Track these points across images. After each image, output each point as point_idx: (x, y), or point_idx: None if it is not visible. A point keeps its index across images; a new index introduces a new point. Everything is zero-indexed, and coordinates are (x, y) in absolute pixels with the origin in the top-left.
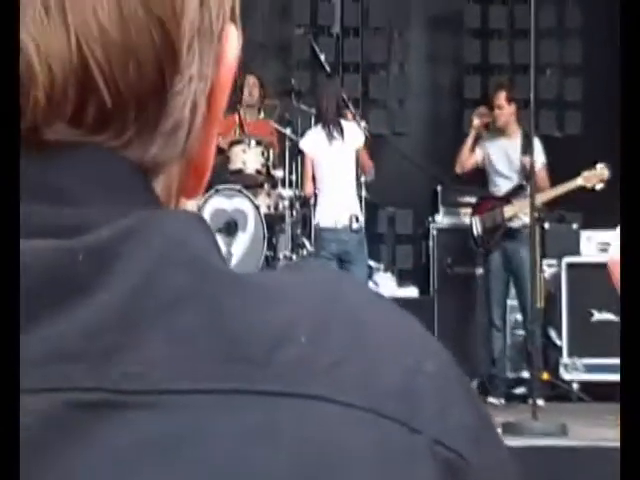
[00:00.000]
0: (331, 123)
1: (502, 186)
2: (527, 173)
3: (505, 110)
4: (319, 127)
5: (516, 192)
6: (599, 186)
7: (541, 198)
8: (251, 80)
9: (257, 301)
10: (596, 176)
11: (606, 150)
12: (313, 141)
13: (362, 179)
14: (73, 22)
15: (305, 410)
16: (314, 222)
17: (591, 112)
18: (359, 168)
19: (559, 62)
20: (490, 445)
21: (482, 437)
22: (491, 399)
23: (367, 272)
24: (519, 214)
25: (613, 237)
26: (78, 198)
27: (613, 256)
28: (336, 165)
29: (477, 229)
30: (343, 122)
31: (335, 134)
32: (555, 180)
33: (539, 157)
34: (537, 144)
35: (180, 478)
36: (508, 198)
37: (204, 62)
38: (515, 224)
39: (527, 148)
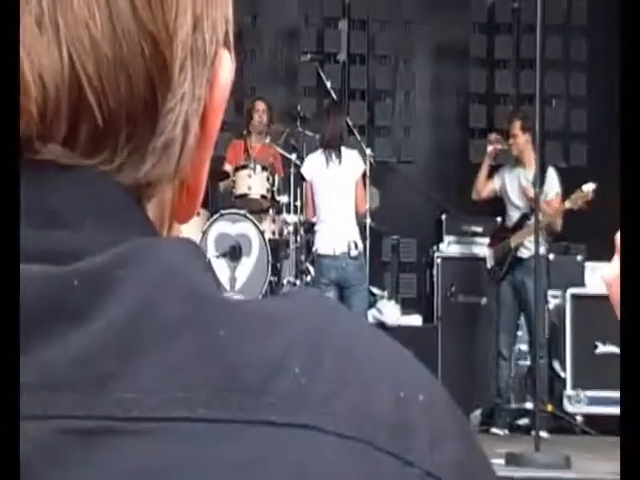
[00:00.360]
0: (330, 147)
1: (514, 217)
2: (532, 203)
3: (520, 139)
4: (319, 152)
5: (522, 222)
6: (584, 206)
7: (520, 238)
8: (261, 106)
9: (251, 330)
10: (581, 197)
11: (611, 181)
12: (312, 165)
13: (367, 206)
14: (65, 36)
15: (300, 440)
16: (313, 249)
17: (596, 143)
18: (355, 202)
19: (564, 93)
20: (481, 476)
21: (474, 471)
22: (495, 429)
23: (367, 298)
24: (524, 242)
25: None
26: (73, 222)
27: (608, 273)
28: (333, 190)
29: (490, 261)
30: (344, 149)
31: (333, 157)
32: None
33: (553, 187)
34: (552, 174)
35: None
36: (515, 228)
37: (196, 83)
38: (524, 254)
39: (542, 179)
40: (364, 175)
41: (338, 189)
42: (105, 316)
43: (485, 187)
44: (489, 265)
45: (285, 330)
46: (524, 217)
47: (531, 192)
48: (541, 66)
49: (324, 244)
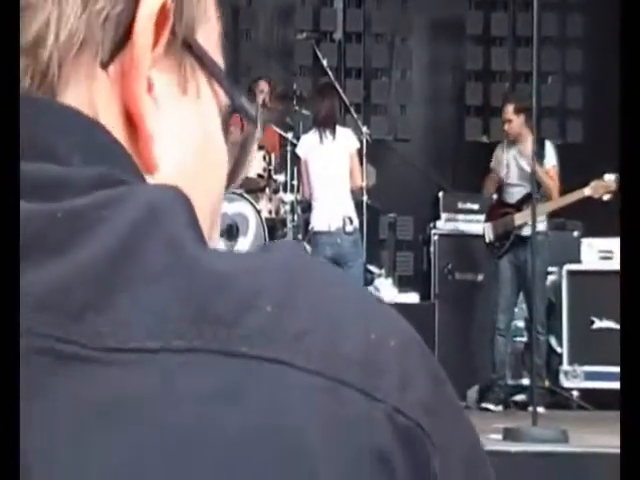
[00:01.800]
0: (324, 125)
1: (514, 194)
2: (536, 180)
3: (515, 123)
4: (313, 130)
5: (527, 200)
6: (606, 197)
7: (549, 207)
8: (265, 87)
9: (227, 272)
10: (603, 187)
11: (607, 158)
12: (306, 144)
13: (364, 183)
14: None
15: (270, 374)
16: (310, 227)
17: (592, 120)
18: (350, 178)
19: (561, 70)
20: (450, 420)
21: (442, 412)
22: (489, 405)
23: (364, 274)
24: (529, 222)
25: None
26: (62, 157)
27: None
28: (328, 167)
29: (489, 236)
30: (338, 127)
31: (327, 135)
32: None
33: (550, 160)
34: (549, 147)
35: (146, 435)
36: (519, 206)
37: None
38: (526, 232)
39: (538, 154)
40: (359, 152)
41: (332, 166)
42: (87, 251)
43: (492, 183)
44: (488, 240)
45: (260, 274)
46: (529, 195)
47: (540, 171)
48: (537, 43)
49: (320, 221)
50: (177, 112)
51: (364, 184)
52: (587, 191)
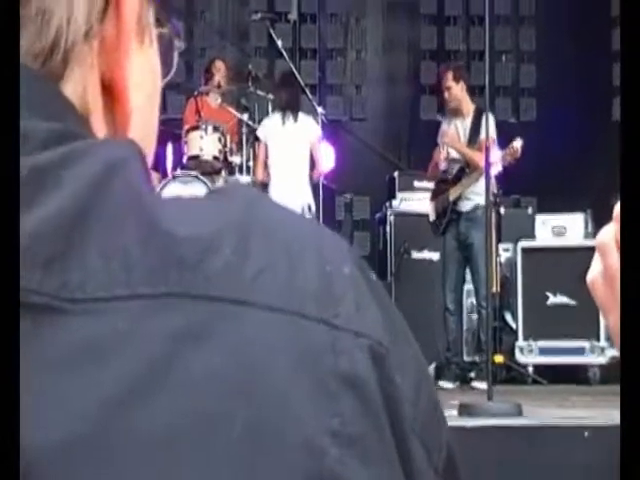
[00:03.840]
0: (288, 108)
1: (454, 169)
2: (465, 156)
3: (454, 90)
4: (274, 113)
5: (460, 174)
6: (512, 161)
7: (471, 179)
8: (221, 66)
9: (186, 217)
10: (509, 154)
11: (559, 136)
12: (267, 126)
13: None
14: None
15: (233, 315)
16: None
17: (545, 98)
18: (312, 167)
19: (514, 49)
20: (402, 338)
21: (395, 330)
22: (443, 383)
23: None
24: (464, 194)
25: (571, 221)
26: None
27: (592, 273)
28: (289, 150)
29: (431, 214)
30: (301, 113)
31: (290, 118)
32: (510, 165)
33: (490, 133)
34: (491, 120)
35: (115, 376)
36: (456, 181)
37: None
38: (465, 207)
39: (478, 125)
40: (320, 140)
41: (293, 149)
42: (52, 205)
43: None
44: (431, 219)
45: (216, 217)
46: (462, 170)
47: (456, 143)
48: (490, 22)
49: None
50: (138, 65)
51: (324, 171)
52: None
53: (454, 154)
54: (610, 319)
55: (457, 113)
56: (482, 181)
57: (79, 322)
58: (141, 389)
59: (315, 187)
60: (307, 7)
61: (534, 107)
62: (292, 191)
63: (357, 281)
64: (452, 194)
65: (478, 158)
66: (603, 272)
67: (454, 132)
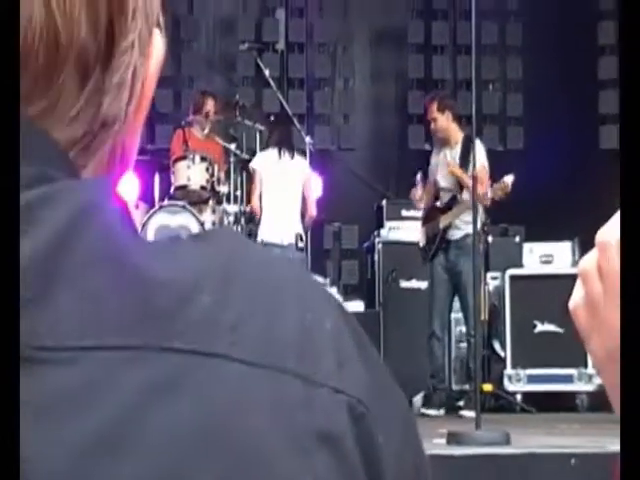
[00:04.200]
0: (282, 145)
1: (444, 198)
2: (460, 180)
3: (440, 121)
4: (270, 148)
5: (451, 202)
6: (502, 197)
7: (461, 209)
8: (211, 103)
9: (164, 262)
10: (501, 189)
11: (547, 164)
12: (263, 158)
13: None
14: None
15: (206, 368)
16: (258, 239)
17: (532, 127)
18: (304, 210)
19: (501, 77)
20: (387, 396)
21: (379, 388)
22: (427, 410)
23: None
24: (455, 223)
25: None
26: None
27: (574, 299)
28: (283, 182)
29: (421, 240)
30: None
31: (286, 153)
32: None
33: (479, 159)
34: (479, 146)
35: (84, 428)
36: (447, 209)
37: (144, 36)
38: (454, 236)
39: (467, 154)
40: (310, 182)
41: (287, 183)
42: (26, 247)
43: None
44: (421, 244)
45: (196, 262)
46: (453, 198)
47: (456, 169)
48: (477, 51)
49: (271, 233)
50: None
51: (314, 214)
52: (489, 193)
53: (443, 183)
54: (591, 345)
55: (445, 143)
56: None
57: (49, 371)
58: (110, 441)
59: (302, 215)
60: (295, 37)
61: (521, 135)
62: (285, 221)
63: (340, 335)
64: (443, 222)
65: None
66: (585, 299)
67: (444, 162)
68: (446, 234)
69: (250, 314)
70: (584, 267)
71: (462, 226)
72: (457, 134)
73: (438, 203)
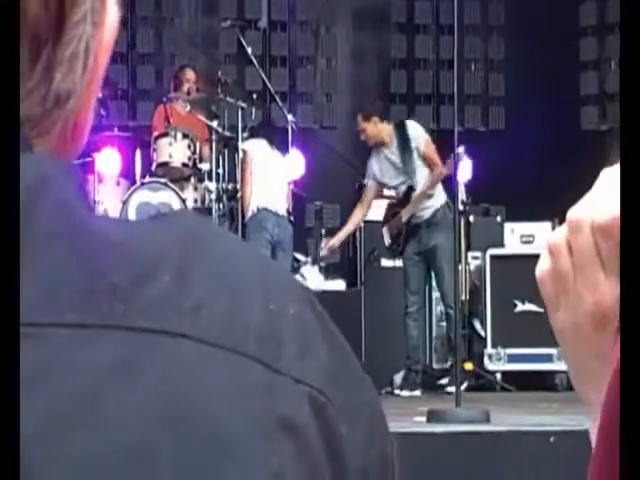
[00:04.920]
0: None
1: (400, 191)
2: (414, 172)
3: (369, 130)
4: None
5: (409, 194)
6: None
7: (409, 211)
8: (191, 75)
9: (123, 239)
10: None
11: (528, 144)
12: (257, 143)
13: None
14: None
15: (167, 347)
16: (252, 205)
17: (514, 107)
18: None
19: (483, 57)
20: (352, 385)
21: (343, 377)
22: (402, 392)
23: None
24: (417, 213)
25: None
26: None
27: (542, 270)
28: (275, 168)
29: (386, 239)
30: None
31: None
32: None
33: (420, 136)
34: (413, 125)
35: (40, 406)
36: (405, 202)
37: (96, 7)
38: (425, 215)
39: (405, 141)
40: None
41: (278, 170)
42: None
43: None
44: (387, 243)
45: (157, 242)
46: (410, 189)
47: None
48: (459, 31)
49: (266, 201)
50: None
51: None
52: (445, 170)
53: (395, 182)
54: (557, 314)
55: (381, 144)
56: (438, 186)
57: None
58: (67, 420)
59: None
60: (277, 15)
61: (503, 115)
62: (277, 195)
63: (304, 322)
64: (405, 215)
65: (438, 167)
66: (552, 271)
67: (388, 162)
68: (410, 222)
69: (213, 296)
70: (555, 241)
71: (428, 204)
72: (388, 130)
73: (392, 200)
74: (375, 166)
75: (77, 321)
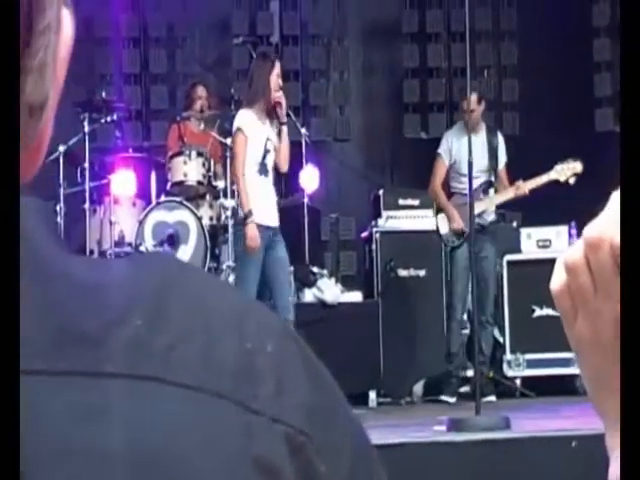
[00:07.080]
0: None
1: (479, 182)
2: (494, 170)
3: (477, 112)
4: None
5: (486, 189)
6: (572, 180)
7: (509, 194)
8: (203, 92)
9: (97, 284)
10: (569, 169)
11: (543, 149)
12: (246, 117)
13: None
14: None
15: (139, 391)
16: (249, 214)
17: (528, 112)
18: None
19: (496, 63)
20: (334, 420)
21: (325, 413)
22: (444, 397)
23: (307, 275)
24: (488, 210)
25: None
26: None
27: (559, 284)
28: (267, 149)
29: (444, 227)
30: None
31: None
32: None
33: (502, 157)
34: (501, 141)
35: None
36: (477, 195)
37: (59, 16)
38: (487, 221)
39: (492, 144)
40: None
41: (271, 150)
42: None
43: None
44: (442, 232)
45: (129, 286)
46: (489, 184)
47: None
48: (471, 38)
49: (263, 216)
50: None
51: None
52: (553, 174)
53: (476, 168)
54: (575, 327)
55: (474, 130)
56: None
57: None
58: (39, 466)
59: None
60: (289, 29)
61: (517, 121)
62: (270, 201)
63: (283, 359)
64: (479, 208)
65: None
66: (571, 288)
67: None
68: (478, 219)
69: (185, 338)
70: (574, 260)
71: (492, 212)
72: (482, 125)
73: (461, 189)
74: (454, 145)
75: (45, 368)
